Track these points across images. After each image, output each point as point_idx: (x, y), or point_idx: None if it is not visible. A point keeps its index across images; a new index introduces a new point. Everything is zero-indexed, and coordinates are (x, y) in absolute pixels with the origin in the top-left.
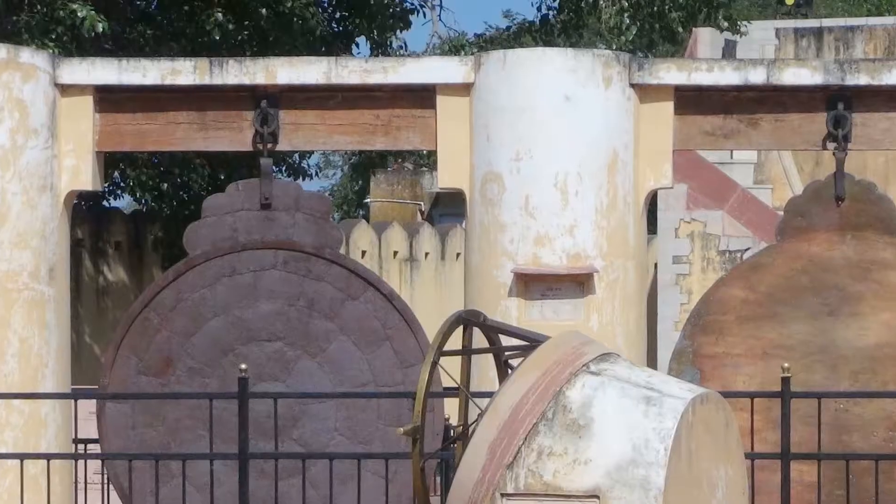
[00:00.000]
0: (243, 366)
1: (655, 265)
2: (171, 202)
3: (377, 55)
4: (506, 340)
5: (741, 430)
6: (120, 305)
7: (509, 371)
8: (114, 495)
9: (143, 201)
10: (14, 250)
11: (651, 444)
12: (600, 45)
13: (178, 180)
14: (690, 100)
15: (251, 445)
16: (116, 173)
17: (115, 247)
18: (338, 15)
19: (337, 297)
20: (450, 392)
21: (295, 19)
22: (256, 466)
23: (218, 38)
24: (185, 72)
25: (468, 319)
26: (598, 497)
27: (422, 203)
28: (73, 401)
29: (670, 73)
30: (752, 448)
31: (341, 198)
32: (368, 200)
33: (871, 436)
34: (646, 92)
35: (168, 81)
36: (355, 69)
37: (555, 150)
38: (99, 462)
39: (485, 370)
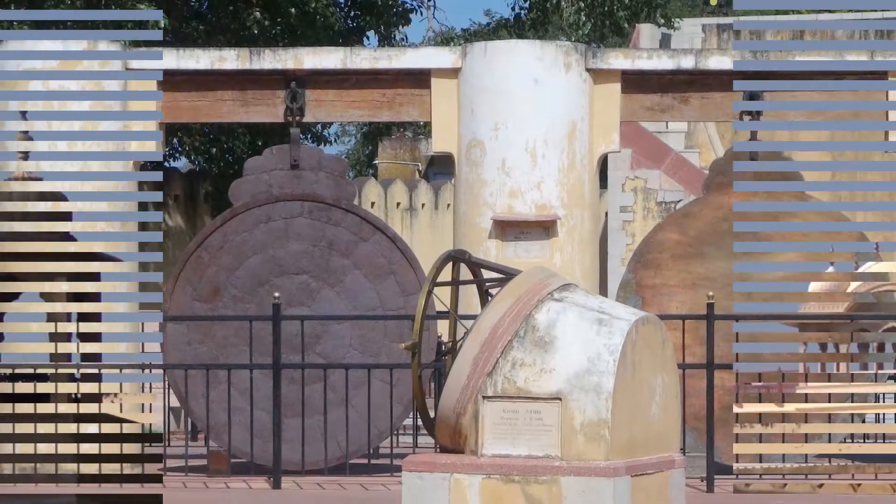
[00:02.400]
0: (276, 294)
1: (606, 214)
2: (219, 163)
3: (383, 46)
4: (486, 274)
5: (675, 346)
6: (178, 246)
7: (489, 298)
8: (173, 397)
9: (197, 162)
10: (94, 201)
11: (602, 357)
12: (562, 38)
13: (225, 146)
14: (634, 82)
15: (283, 358)
16: (175, 140)
17: (174, 199)
18: (352, 13)
19: (351, 239)
20: (442, 315)
21: (318, 17)
22: (287, 375)
23: (256, 32)
24: (230, 59)
25: (456, 257)
26: (560, 399)
27: (419, 164)
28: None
29: (618, 60)
30: (684, 360)
31: (355, 160)
32: (377, 162)
33: None
34: (598, 75)
35: (216, 67)
36: (366, 57)
37: (525, 122)
38: (161, 371)
39: (470, 297)
